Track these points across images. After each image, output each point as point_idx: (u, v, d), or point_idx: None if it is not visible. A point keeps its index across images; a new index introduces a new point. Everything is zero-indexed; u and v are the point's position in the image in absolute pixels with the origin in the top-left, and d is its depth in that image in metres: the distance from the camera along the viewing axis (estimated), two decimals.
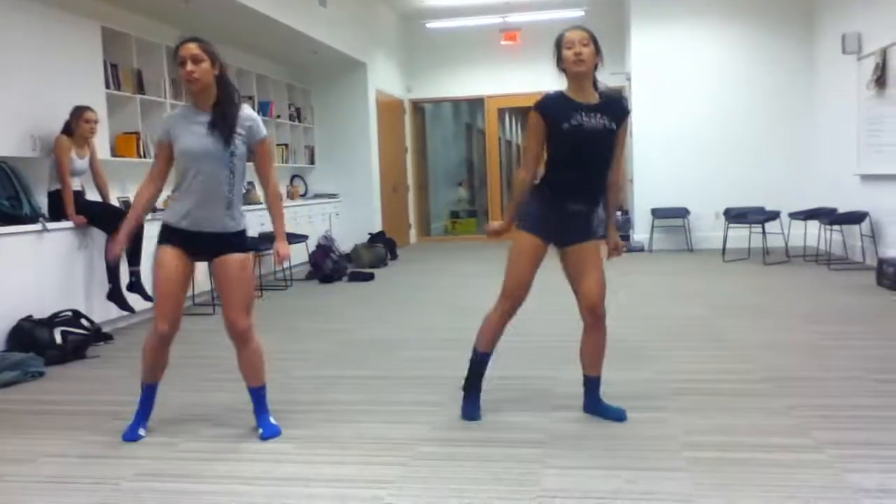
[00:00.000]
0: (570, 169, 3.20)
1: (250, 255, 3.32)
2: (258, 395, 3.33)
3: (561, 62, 3.22)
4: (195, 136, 3.11)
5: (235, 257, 3.22)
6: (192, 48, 3.16)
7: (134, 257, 5.65)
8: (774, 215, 8.70)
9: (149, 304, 5.98)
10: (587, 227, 3.31)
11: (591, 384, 3.39)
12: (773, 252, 8.74)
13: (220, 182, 3.13)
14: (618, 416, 3.30)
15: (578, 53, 3.15)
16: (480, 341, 3.40)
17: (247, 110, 3.24)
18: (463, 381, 3.46)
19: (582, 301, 3.29)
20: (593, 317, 3.29)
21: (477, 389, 3.45)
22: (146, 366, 3.31)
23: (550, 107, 3.21)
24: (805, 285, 6.91)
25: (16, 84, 5.24)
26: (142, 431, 3.31)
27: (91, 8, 6.33)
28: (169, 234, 3.20)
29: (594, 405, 3.37)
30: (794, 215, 8.58)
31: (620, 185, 3.37)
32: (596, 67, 3.24)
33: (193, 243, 3.19)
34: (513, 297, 3.29)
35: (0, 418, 3.69)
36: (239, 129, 3.16)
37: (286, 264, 3.45)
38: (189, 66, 3.11)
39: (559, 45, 3.22)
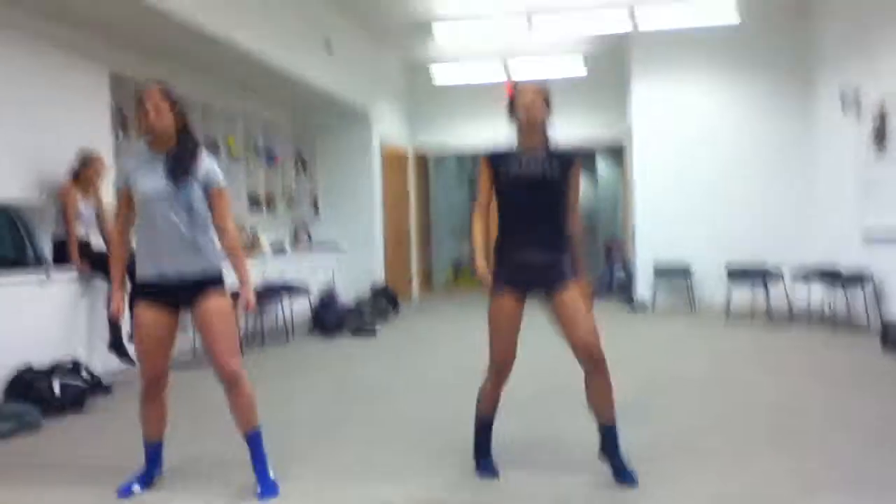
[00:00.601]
0: (517, 219, 3.26)
1: (228, 296, 3.26)
2: (255, 443, 3.24)
3: (514, 112, 3.32)
4: (151, 179, 3.11)
5: (213, 298, 3.17)
6: (156, 93, 3.17)
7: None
8: (776, 275, 8.66)
9: None
10: (559, 276, 3.25)
11: (607, 433, 3.28)
12: (776, 311, 8.69)
13: (179, 224, 3.10)
14: (629, 478, 3.22)
15: (532, 102, 3.28)
16: (481, 407, 3.38)
17: (205, 158, 3.25)
18: (473, 448, 3.40)
19: (577, 349, 3.23)
20: (592, 361, 3.21)
21: (487, 451, 3.40)
22: (141, 423, 3.27)
23: (497, 156, 3.32)
24: (808, 346, 6.85)
25: (23, 128, 5.25)
26: (136, 488, 3.22)
27: (99, 53, 6.37)
28: (142, 290, 3.17)
29: (610, 457, 3.27)
30: (797, 275, 8.56)
31: (577, 238, 3.35)
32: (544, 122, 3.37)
33: (167, 293, 3.14)
34: (501, 366, 3.28)
35: None
36: (196, 173, 3.16)
37: (251, 313, 3.42)
38: (150, 111, 3.12)
39: (515, 95, 3.33)
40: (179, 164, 3.13)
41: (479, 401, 3.39)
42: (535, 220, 3.25)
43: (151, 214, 3.10)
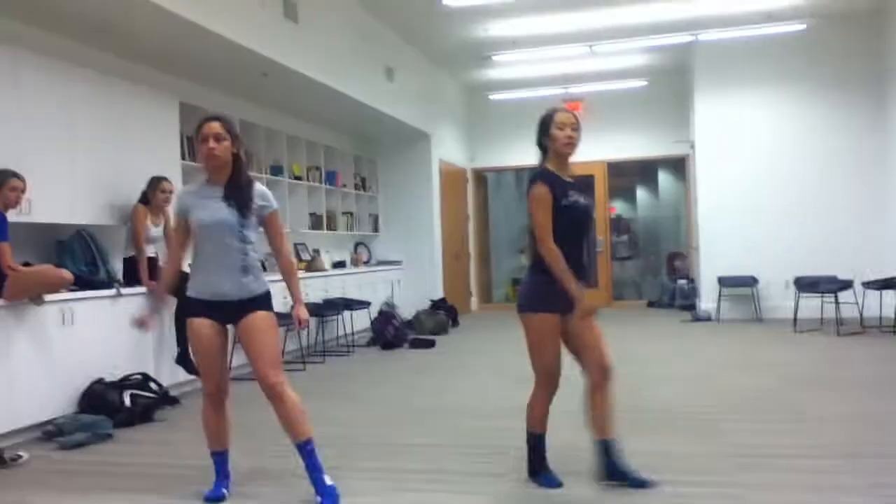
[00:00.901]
0: (568, 245, 3.24)
1: (272, 313, 3.39)
2: (307, 451, 3.30)
3: (546, 139, 3.34)
4: (210, 210, 3.26)
5: (259, 314, 3.31)
6: (216, 126, 3.30)
7: None
8: (847, 284, 8.42)
9: None
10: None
11: (611, 448, 3.29)
12: (846, 322, 8.43)
13: (234, 251, 3.26)
14: (642, 483, 3.21)
15: (571, 137, 3.32)
16: (534, 424, 3.38)
17: (258, 186, 3.40)
18: (527, 465, 3.42)
19: (592, 362, 3.27)
20: (605, 373, 3.26)
21: (544, 467, 3.40)
22: (207, 434, 3.40)
23: (552, 181, 3.29)
24: (881, 357, 6.63)
25: (98, 156, 5.51)
26: (224, 491, 3.36)
27: (170, 84, 6.67)
28: (196, 307, 3.31)
29: (617, 468, 3.27)
30: (868, 284, 8.30)
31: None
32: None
33: (220, 311, 3.29)
34: (551, 382, 3.31)
35: (68, 479, 3.77)
36: (253, 202, 3.31)
37: (305, 329, 3.55)
38: (211, 144, 3.27)
39: (549, 122, 3.35)
40: (240, 194, 3.30)
41: (530, 419, 3.39)
42: (580, 248, 3.34)
43: (212, 241, 3.27)
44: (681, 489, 3.25)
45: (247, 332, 3.30)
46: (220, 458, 3.41)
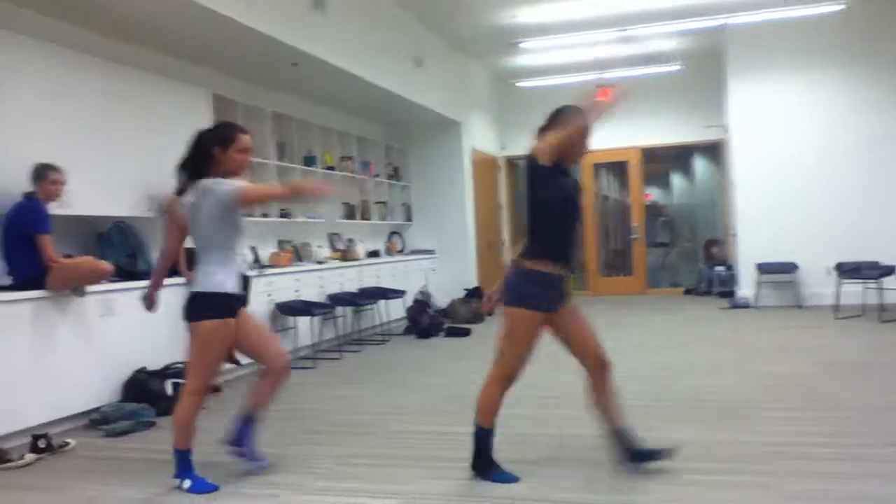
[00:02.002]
0: (557, 227, 3.27)
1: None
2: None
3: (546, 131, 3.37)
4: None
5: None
6: (251, 140, 3.57)
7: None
8: (890, 270, 8.25)
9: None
10: (566, 290, 3.33)
11: (624, 434, 3.30)
12: (889, 309, 8.27)
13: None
14: (663, 453, 3.27)
15: (585, 146, 3.36)
16: (484, 417, 3.34)
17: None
18: (472, 461, 3.36)
19: (589, 356, 3.31)
20: (603, 364, 3.31)
21: (492, 461, 3.36)
22: (191, 431, 3.44)
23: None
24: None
25: (134, 149, 5.60)
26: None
27: (203, 77, 6.74)
28: (225, 303, 3.45)
29: (638, 451, 3.28)
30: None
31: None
32: None
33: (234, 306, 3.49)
34: (514, 377, 3.33)
35: (116, 465, 3.85)
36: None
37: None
38: (250, 158, 3.56)
39: (557, 118, 3.44)
40: None
41: (480, 411, 3.36)
42: (570, 230, 3.35)
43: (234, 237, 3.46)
44: (713, 477, 3.23)
45: (248, 321, 3.55)
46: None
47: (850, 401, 4.53)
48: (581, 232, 3.26)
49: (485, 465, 3.34)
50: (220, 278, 3.40)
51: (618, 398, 3.34)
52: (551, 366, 5.98)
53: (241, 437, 3.55)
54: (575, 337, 3.32)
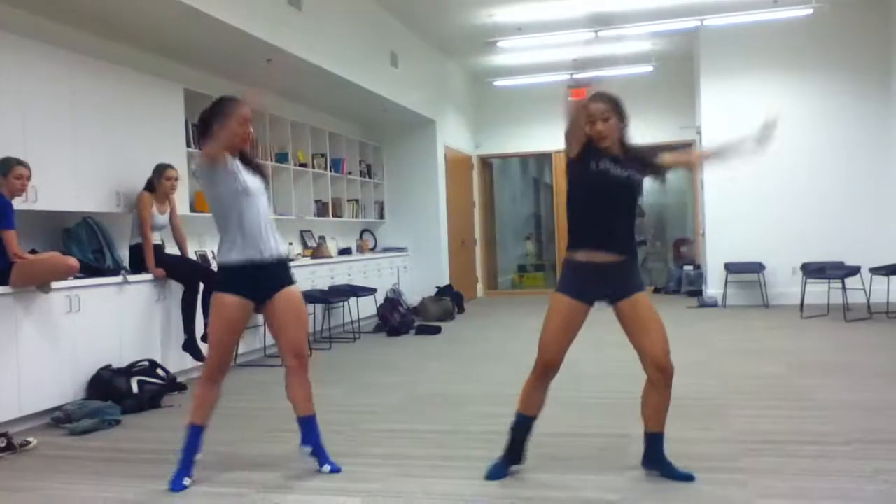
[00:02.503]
0: (590, 211, 3.19)
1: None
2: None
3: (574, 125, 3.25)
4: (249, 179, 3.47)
5: (295, 289, 3.55)
6: (249, 111, 3.44)
7: (210, 309, 5.78)
8: (854, 270, 8.39)
9: None
10: (629, 280, 3.22)
11: (656, 441, 3.27)
12: (853, 308, 8.41)
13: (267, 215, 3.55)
14: (685, 477, 3.19)
15: (600, 131, 3.18)
16: (521, 403, 3.34)
17: None
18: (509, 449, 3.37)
19: (646, 359, 3.21)
20: (662, 375, 3.18)
21: (517, 454, 3.35)
22: (201, 406, 3.44)
23: (587, 146, 3.21)
24: (889, 343, 6.61)
25: (103, 144, 5.52)
26: (187, 480, 3.37)
27: (175, 71, 6.66)
28: (229, 279, 3.44)
29: (658, 463, 3.25)
30: (876, 270, 8.27)
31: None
32: (623, 130, 3.31)
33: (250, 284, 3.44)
34: (544, 360, 3.23)
35: (78, 465, 3.80)
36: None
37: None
38: (251, 128, 3.47)
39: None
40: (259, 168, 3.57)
41: (520, 396, 3.34)
42: (608, 216, 3.25)
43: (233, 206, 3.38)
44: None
45: (278, 306, 3.44)
46: (198, 434, 3.42)
47: (819, 399, 4.60)
48: (625, 219, 3.11)
49: (507, 449, 3.33)
50: (222, 250, 3.39)
51: (664, 408, 3.23)
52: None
53: (305, 438, 3.50)
54: (633, 334, 3.22)
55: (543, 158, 14.07)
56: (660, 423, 3.25)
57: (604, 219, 3.19)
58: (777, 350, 6.47)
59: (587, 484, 3.20)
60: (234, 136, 3.35)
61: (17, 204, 4.62)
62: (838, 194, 9.75)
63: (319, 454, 3.49)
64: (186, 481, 3.35)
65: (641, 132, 11.86)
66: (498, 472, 3.32)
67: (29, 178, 4.60)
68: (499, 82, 12.04)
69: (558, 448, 3.73)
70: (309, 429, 3.48)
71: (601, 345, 6.75)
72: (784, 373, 5.47)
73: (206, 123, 3.43)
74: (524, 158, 15.41)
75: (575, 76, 11.35)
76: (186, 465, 3.38)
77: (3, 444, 3.96)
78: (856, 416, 4.17)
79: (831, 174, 9.78)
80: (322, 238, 9.32)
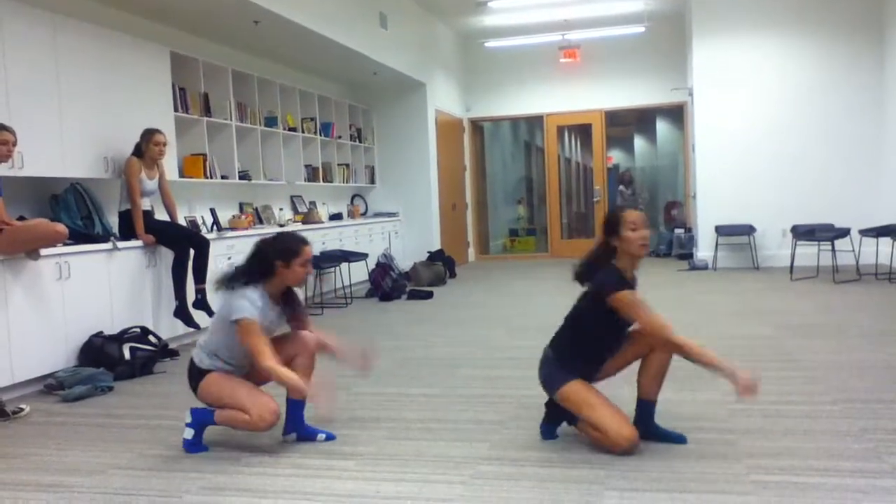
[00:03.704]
0: (602, 342, 3.25)
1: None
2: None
3: (615, 238, 3.17)
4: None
5: None
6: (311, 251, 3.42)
7: (200, 275, 5.78)
8: (844, 232, 8.43)
9: None
10: None
11: (649, 408, 3.28)
12: (843, 270, 8.47)
13: None
14: (679, 439, 3.22)
15: (645, 237, 3.15)
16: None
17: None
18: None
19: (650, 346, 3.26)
20: (667, 345, 3.20)
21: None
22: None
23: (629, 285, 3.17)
24: (877, 304, 6.67)
25: (89, 109, 5.45)
26: (291, 436, 3.49)
27: (161, 34, 6.57)
28: None
29: (651, 430, 3.27)
30: (865, 232, 8.31)
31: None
32: None
33: None
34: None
35: (71, 431, 3.81)
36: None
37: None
38: (310, 269, 3.44)
39: (618, 221, 3.16)
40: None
41: None
42: (612, 345, 3.32)
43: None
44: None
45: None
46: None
47: (806, 360, 4.64)
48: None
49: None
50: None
51: (664, 371, 3.25)
52: (506, 331, 6.03)
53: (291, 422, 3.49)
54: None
55: (535, 121, 14.01)
56: (655, 391, 3.27)
57: (609, 344, 3.31)
58: (766, 311, 6.51)
59: (577, 445, 3.23)
60: (295, 277, 3.36)
61: (3, 170, 4.58)
62: (828, 157, 9.75)
63: (309, 431, 3.50)
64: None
65: (633, 94, 11.83)
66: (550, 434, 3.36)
67: (14, 143, 4.54)
68: (490, 43, 11.92)
69: None
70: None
71: None
72: (773, 334, 5.52)
73: (264, 257, 3.35)
74: (515, 121, 15.34)
75: (566, 37, 11.30)
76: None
77: None
78: (843, 376, 4.22)
79: (822, 136, 9.77)
80: (313, 203, 9.29)
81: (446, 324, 6.63)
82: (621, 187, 12.79)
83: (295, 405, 3.46)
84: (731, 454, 3.05)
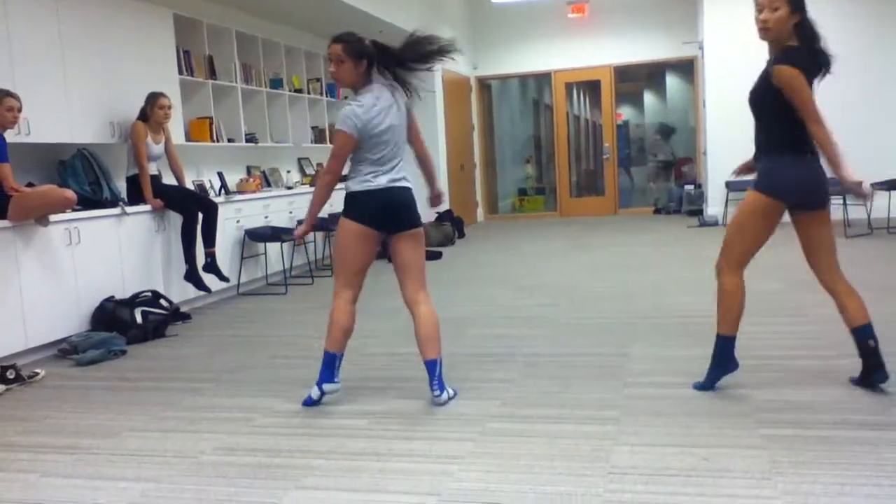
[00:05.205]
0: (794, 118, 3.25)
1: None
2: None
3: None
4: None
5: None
6: (337, 49, 3.48)
7: (209, 239, 5.80)
8: None
9: (224, 285, 6.16)
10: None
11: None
12: (854, 224, 8.41)
13: None
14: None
15: (765, 21, 3.07)
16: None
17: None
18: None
19: (817, 270, 3.52)
20: (832, 289, 3.48)
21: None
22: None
23: (805, 60, 3.11)
24: (888, 258, 6.63)
25: (94, 74, 5.42)
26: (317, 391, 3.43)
27: None
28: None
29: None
30: (877, 185, 8.23)
31: None
32: (799, 26, 3.17)
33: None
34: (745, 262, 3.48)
35: (85, 395, 3.86)
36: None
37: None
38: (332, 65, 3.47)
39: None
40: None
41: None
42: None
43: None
44: (685, 391, 3.31)
45: (401, 245, 3.86)
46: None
47: (816, 314, 4.64)
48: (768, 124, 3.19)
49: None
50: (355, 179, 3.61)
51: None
52: (511, 291, 6.03)
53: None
54: (806, 246, 3.50)
55: (543, 78, 13.85)
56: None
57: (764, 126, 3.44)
58: (776, 266, 6.48)
59: (586, 402, 3.25)
60: None
61: (10, 137, 4.57)
62: (838, 110, 9.58)
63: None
64: (315, 393, 3.42)
65: (642, 49, 11.67)
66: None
67: (20, 109, 4.53)
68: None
69: (558, 367, 3.78)
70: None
71: (597, 269, 6.79)
72: (782, 288, 5.51)
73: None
74: (523, 79, 15.17)
75: None
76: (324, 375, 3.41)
77: (12, 376, 4.02)
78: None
79: (830, 89, 9.59)
80: (320, 165, 9.25)
81: (455, 284, 6.64)
82: (658, 136, 12.73)
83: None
84: (740, 409, 3.06)
